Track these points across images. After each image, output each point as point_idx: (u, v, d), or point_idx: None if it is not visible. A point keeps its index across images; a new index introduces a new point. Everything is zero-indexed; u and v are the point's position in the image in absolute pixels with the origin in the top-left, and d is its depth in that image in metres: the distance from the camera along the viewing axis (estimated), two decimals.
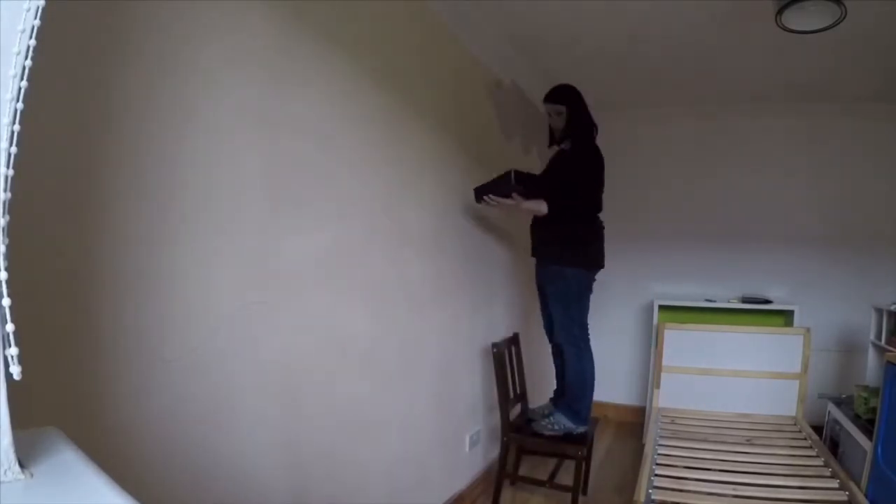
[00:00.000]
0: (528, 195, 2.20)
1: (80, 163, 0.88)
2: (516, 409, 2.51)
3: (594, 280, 2.37)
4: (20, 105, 0.49)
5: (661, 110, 3.69)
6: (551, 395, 2.52)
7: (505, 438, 2.35)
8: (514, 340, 2.60)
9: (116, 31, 0.92)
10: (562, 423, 2.28)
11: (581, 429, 2.28)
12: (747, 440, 2.47)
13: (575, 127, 2.31)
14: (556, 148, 2.44)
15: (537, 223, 2.36)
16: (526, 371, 2.62)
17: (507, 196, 2.16)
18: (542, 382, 2.91)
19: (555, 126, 2.38)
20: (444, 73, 2.21)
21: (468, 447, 2.47)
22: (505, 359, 2.40)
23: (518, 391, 2.52)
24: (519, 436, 2.36)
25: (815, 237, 3.43)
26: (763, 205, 3.54)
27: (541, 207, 2.19)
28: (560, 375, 2.45)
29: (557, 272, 2.27)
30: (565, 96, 2.33)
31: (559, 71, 2.91)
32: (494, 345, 2.38)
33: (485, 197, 2.18)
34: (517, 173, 2.12)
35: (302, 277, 1.41)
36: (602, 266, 2.37)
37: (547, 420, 2.32)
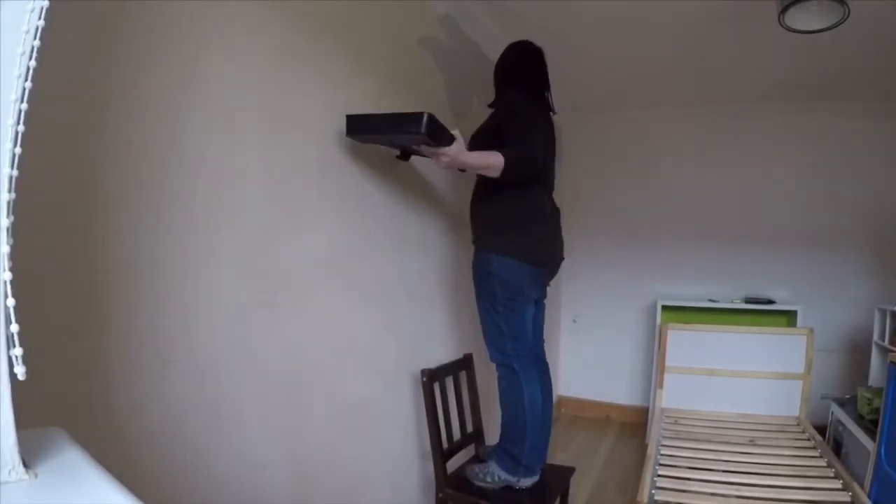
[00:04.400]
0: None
1: (83, 164, 0.88)
2: (468, 452, 2.03)
3: (544, 283, 1.84)
4: (24, 106, 0.49)
5: (663, 109, 3.69)
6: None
7: (440, 495, 1.79)
8: (462, 364, 2.09)
9: (119, 32, 0.93)
10: (496, 473, 1.74)
11: (526, 481, 1.72)
12: (750, 441, 2.47)
13: (495, 81, 1.93)
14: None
15: (473, 199, 1.86)
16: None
17: (410, 149, 1.60)
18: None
19: None
20: (444, 72, 2.21)
21: None
22: (437, 390, 1.83)
23: (471, 428, 2.03)
24: (458, 493, 1.76)
25: (817, 237, 3.43)
26: (766, 205, 3.53)
27: (492, 161, 1.57)
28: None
29: (483, 262, 1.73)
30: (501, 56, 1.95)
31: (559, 72, 2.90)
32: (425, 372, 1.81)
33: (415, 147, 1.56)
34: (431, 121, 1.41)
35: (304, 277, 1.42)
36: (555, 265, 1.86)
37: (480, 467, 1.79)
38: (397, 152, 1.76)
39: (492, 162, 1.57)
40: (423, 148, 1.53)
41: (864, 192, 3.35)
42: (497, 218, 1.74)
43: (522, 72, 1.86)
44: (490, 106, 1.90)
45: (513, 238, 1.71)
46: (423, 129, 1.39)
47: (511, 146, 1.60)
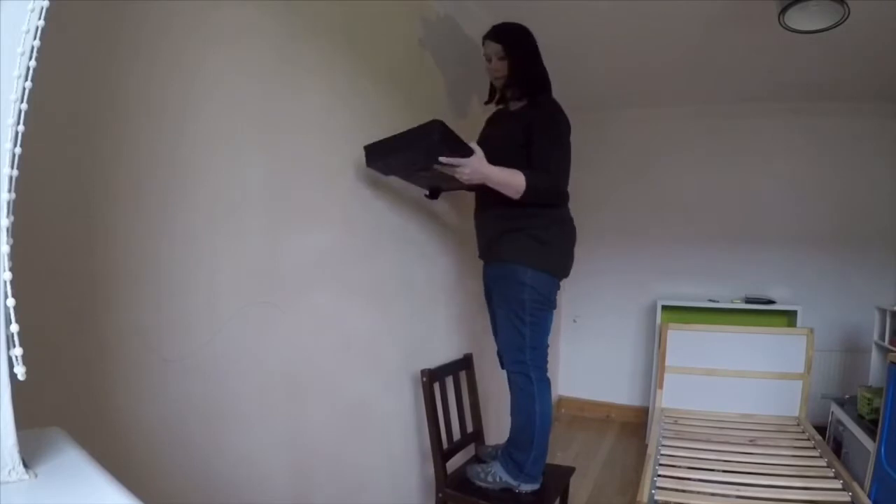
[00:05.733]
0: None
1: (83, 164, 0.88)
2: (468, 453, 2.04)
3: (558, 289, 1.80)
4: (24, 106, 0.49)
5: (663, 109, 3.69)
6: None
7: (440, 495, 1.80)
8: (462, 364, 2.10)
9: (121, 33, 0.93)
10: (498, 475, 1.75)
11: (526, 487, 1.73)
12: (750, 441, 2.47)
13: (525, 77, 1.76)
14: (491, 108, 1.94)
15: (487, 210, 1.80)
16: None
17: (430, 164, 1.45)
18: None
19: (494, 76, 1.82)
20: (444, 72, 2.21)
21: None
22: (437, 390, 1.84)
23: (471, 429, 2.04)
24: (458, 494, 1.78)
25: (818, 237, 3.43)
26: (766, 205, 3.53)
27: (515, 180, 1.55)
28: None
29: (511, 274, 1.70)
30: (507, 33, 1.77)
31: (559, 72, 2.90)
32: (424, 372, 1.83)
33: (436, 165, 1.45)
34: (445, 127, 1.39)
35: (305, 277, 1.42)
36: (567, 274, 1.82)
37: (482, 467, 1.81)
38: (426, 192, 1.74)
39: (513, 183, 1.56)
40: (444, 165, 1.45)
41: (863, 192, 3.35)
42: (528, 228, 1.69)
43: (544, 67, 1.79)
44: (502, 99, 1.84)
45: (549, 252, 1.70)
46: (436, 136, 1.37)
47: (539, 169, 1.59)
